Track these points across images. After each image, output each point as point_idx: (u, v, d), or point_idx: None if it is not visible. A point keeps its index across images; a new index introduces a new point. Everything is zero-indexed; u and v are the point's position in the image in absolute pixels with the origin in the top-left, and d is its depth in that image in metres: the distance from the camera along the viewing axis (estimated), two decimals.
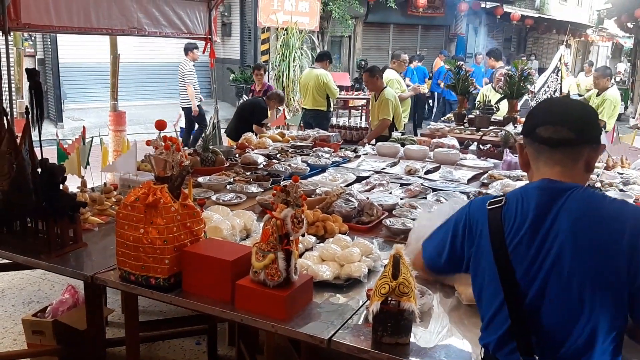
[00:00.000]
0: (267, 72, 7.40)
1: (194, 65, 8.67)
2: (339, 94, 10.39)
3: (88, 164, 3.25)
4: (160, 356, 3.50)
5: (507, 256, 1.50)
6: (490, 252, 1.54)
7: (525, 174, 3.94)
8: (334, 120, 8.34)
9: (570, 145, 1.51)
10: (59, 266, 2.43)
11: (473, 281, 1.65)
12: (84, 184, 3.16)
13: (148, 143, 2.25)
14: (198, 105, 8.64)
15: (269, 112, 6.94)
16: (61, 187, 2.55)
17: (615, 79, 13.92)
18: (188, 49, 8.71)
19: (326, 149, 4.90)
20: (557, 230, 1.46)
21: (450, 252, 1.70)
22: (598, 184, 3.83)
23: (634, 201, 3.44)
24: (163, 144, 2.18)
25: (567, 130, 1.50)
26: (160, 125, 2.32)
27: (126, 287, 2.25)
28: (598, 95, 6.71)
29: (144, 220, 2.11)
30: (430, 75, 14.05)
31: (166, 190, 2.15)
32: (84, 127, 3.67)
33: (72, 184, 2.83)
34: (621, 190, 3.75)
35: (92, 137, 3.37)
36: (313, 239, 2.61)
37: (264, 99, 7.13)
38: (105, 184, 3.32)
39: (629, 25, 16.49)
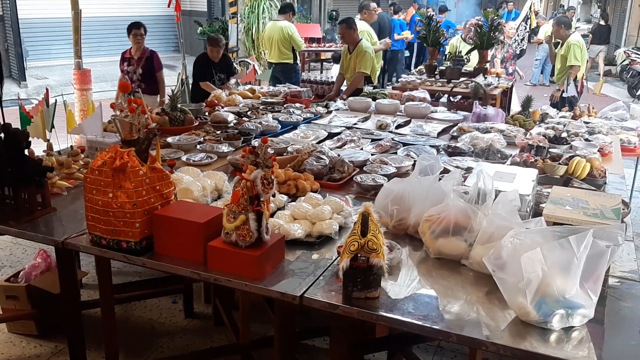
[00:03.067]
0: (146, 33, 6.03)
1: None
2: (311, 47, 10.23)
3: (53, 127, 3.17)
4: (137, 316, 3.54)
5: None
6: None
7: (494, 125, 4.04)
8: (304, 75, 8.21)
9: None
10: (28, 232, 2.41)
11: None
12: (50, 147, 3.10)
13: (112, 106, 2.21)
14: None
15: (212, 59, 6.09)
16: (26, 152, 2.50)
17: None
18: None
19: (297, 105, 4.86)
20: None
21: None
22: (564, 134, 3.89)
23: (598, 150, 3.53)
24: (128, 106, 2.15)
25: None
26: (125, 87, 2.27)
27: (98, 251, 2.25)
28: (562, 45, 6.72)
29: (112, 185, 2.10)
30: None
31: (133, 153, 2.13)
32: (47, 89, 3.57)
33: (37, 148, 2.78)
34: (586, 139, 3.82)
35: (56, 99, 3.28)
36: (285, 197, 2.63)
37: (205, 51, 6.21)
38: (72, 146, 3.26)
39: None
